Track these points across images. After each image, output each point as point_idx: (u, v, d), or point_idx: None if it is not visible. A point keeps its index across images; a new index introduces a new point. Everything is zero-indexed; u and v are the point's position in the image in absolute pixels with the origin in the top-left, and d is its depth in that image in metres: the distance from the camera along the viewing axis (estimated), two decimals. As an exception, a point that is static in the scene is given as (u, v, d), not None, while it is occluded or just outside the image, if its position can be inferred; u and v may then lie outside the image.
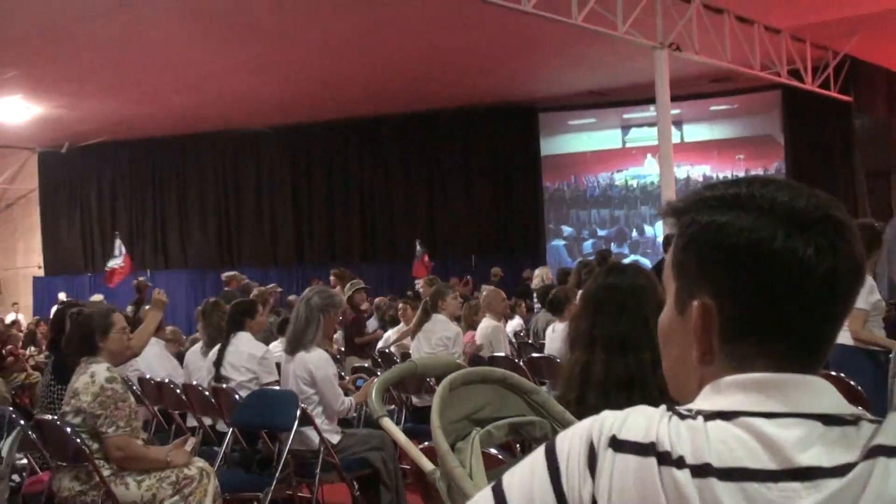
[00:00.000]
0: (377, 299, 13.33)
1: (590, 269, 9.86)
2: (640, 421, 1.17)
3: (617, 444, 1.16)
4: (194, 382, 6.81)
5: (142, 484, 4.81)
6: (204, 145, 22.37)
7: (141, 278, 15.77)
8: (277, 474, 5.50)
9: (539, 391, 2.14)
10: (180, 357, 8.13)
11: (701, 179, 19.97)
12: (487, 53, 16.06)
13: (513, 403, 2.12)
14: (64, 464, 4.97)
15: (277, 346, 7.71)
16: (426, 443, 2.67)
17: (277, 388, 6.16)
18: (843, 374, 4.92)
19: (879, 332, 6.24)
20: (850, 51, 16.39)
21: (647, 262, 17.85)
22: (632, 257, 18.65)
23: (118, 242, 18.68)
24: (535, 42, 15.13)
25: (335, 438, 5.80)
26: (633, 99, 19.18)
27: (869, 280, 5.88)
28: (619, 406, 1.23)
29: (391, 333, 10.50)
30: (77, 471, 4.86)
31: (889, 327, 6.43)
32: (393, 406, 7.58)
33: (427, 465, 1.90)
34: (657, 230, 19.12)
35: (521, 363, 7.57)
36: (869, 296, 5.99)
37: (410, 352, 8.42)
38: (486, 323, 8.86)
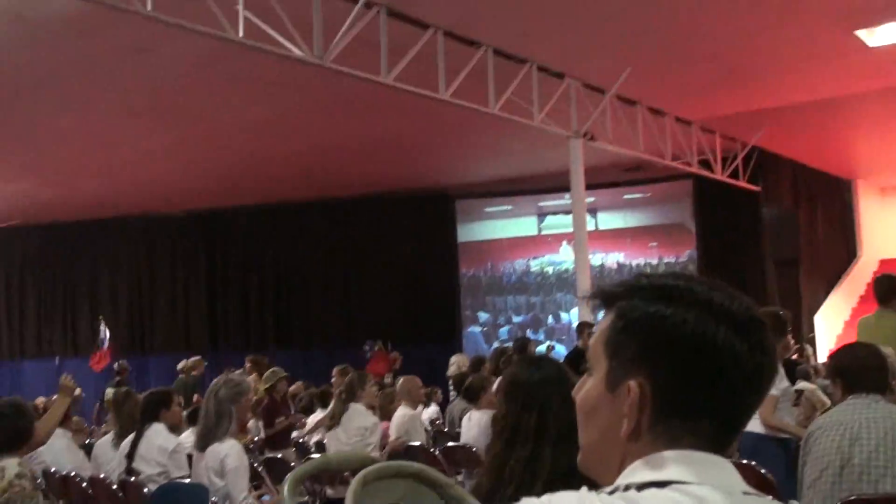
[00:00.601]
0: (293, 386, 13.15)
1: (507, 357, 9.87)
2: (569, 500, 1.26)
3: None
4: (102, 476, 6.60)
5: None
6: (118, 230, 22.04)
7: (121, 361, 15.48)
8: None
9: (453, 485, 2.11)
10: (84, 448, 7.89)
11: (615, 266, 20.25)
12: (404, 140, 16.20)
13: (428, 498, 2.08)
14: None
15: (189, 437, 7.53)
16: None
17: (187, 481, 5.99)
18: (754, 463, 4.95)
19: (789, 418, 6.33)
20: (758, 142, 16.89)
21: (561, 349, 17.96)
22: (547, 343, 18.72)
23: (103, 327, 18.17)
24: (451, 129, 15.32)
25: (246, 534, 5.64)
26: (548, 187, 19.44)
27: (779, 368, 5.97)
28: None
29: (309, 421, 10.37)
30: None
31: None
32: (307, 497, 7.43)
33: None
34: (572, 317, 19.24)
35: (438, 452, 7.49)
36: (779, 382, 6.08)
37: (326, 442, 8.28)
38: (402, 411, 8.78)
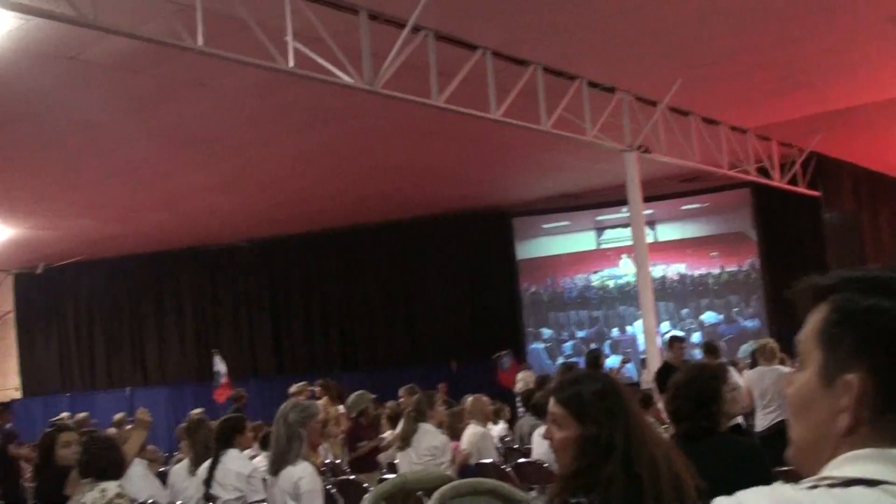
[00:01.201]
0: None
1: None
2: (762, 496, 1.24)
3: None
4: (179, 503, 6.74)
5: None
6: (181, 261, 22.42)
7: (238, 390, 15.80)
8: None
9: (529, 501, 2.17)
10: (159, 476, 8.04)
11: (677, 278, 20.15)
12: (458, 162, 16.29)
13: (503, 514, 2.15)
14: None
15: (262, 461, 7.65)
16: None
17: (264, 505, 6.10)
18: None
19: None
20: (816, 147, 16.74)
21: (630, 366, 17.84)
22: (613, 357, 18.64)
23: (218, 359, 18.50)
24: (505, 149, 15.38)
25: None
26: (605, 200, 19.42)
27: None
28: None
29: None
30: None
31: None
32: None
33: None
34: (636, 329, 19.15)
35: (509, 469, 7.53)
36: None
37: (397, 462, 8.34)
38: (473, 429, 8.81)
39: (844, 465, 1.24)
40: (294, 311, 22.16)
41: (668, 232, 20.33)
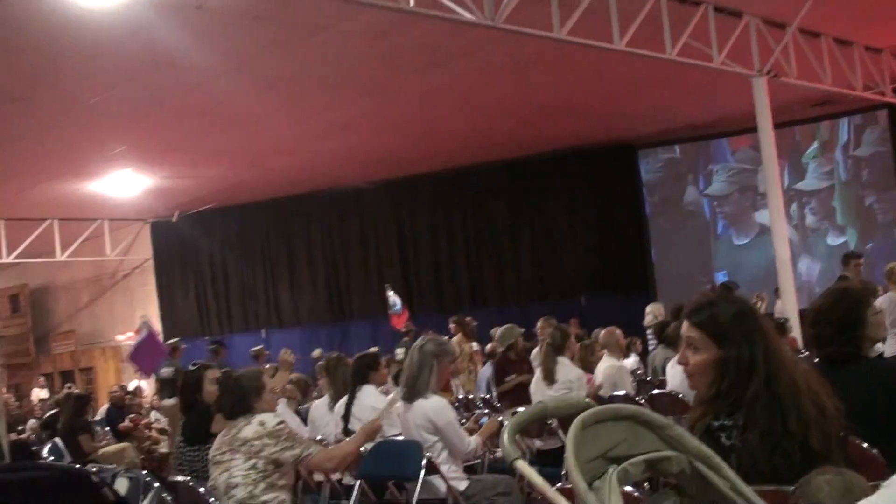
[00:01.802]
0: (489, 345, 13.30)
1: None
2: None
3: None
4: (319, 437, 6.92)
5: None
6: (309, 205, 22.79)
7: (407, 323, 16.21)
8: (407, 524, 5.55)
9: (672, 426, 2.15)
10: (298, 413, 8.26)
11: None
12: (582, 95, 16.09)
13: (647, 439, 2.13)
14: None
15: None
16: (558, 485, 2.68)
17: (401, 438, 6.22)
18: None
19: None
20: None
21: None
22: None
23: (391, 293, 18.95)
24: (629, 80, 15.11)
25: (462, 485, 5.82)
26: (734, 129, 18.97)
27: None
28: None
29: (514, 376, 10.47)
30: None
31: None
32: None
33: (565, 504, 1.90)
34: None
35: (643, 401, 7.50)
36: None
37: (532, 395, 8.37)
38: (608, 362, 8.78)
39: None
40: (421, 250, 22.34)
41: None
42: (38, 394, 22.84)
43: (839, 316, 3.80)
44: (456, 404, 9.82)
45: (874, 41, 14.61)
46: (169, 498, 5.22)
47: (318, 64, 13.08)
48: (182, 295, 24.68)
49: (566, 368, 7.94)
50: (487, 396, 10.79)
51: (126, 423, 13.36)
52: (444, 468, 5.69)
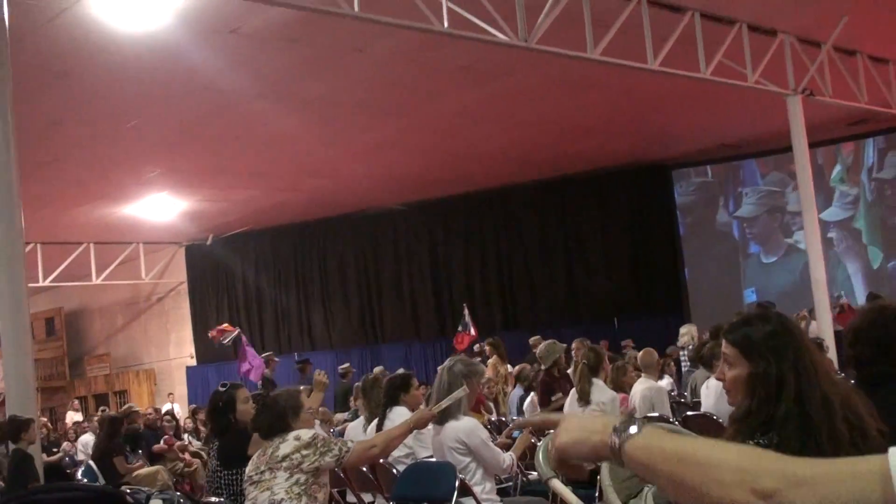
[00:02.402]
0: (519, 367, 13.25)
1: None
2: None
3: None
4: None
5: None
6: (342, 227, 22.85)
7: (480, 343, 16.19)
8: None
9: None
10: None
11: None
12: (616, 115, 16.05)
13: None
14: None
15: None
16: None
17: (434, 460, 6.18)
18: None
19: None
20: None
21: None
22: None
23: (466, 312, 18.90)
24: (663, 100, 15.06)
25: (495, 508, 5.78)
26: (768, 148, 18.86)
27: None
28: None
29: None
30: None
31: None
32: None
33: (601, 524, 1.87)
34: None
35: (676, 422, 7.42)
36: None
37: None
38: (646, 384, 8.69)
39: None
40: (454, 272, 22.31)
41: (836, 177, 19.64)
42: (73, 417, 22.96)
43: (879, 334, 3.72)
44: (488, 426, 9.77)
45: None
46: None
47: (352, 86, 13.13)
48: (215, 318, 24.71)
49: (600, 390, 7.86)
50: (503, 419, 10.72)
51: (161, 444, 13.39)
52: (476, 489, 5.64)
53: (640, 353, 9.60)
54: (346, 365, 16.67)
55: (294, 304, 23.93)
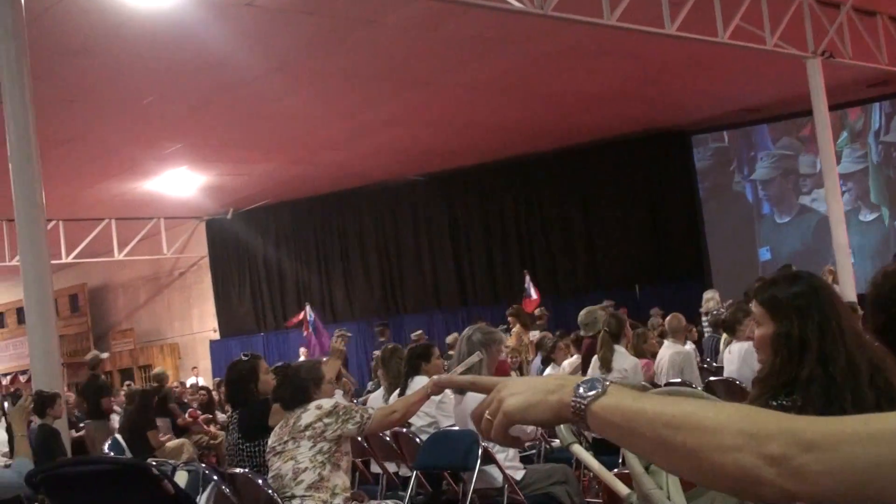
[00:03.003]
0: (539, 335, 13.28)
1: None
2: None
3: None
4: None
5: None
6: (360, 199, 22.86)
7: (540, 308, 16.41)
8: (464, 514, 5.54)
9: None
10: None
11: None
12: (633, 81, 15.95)
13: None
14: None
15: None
16: (615, 470, 2.65)
17: (456, 429, 6.21)
18: None
19: None
20: None
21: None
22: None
23: (528, 280, 18.89)
24: (681, 65, 14.97)
25: (518, 475, 5.81)
26: (787, 112, 18.72)
27: None
28: None
29: (566, 365, 10.44)
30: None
31: None
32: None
33: (622, 489, 1.88)
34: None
35: (699, 388, 7.43)
36: None
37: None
38: (674, 348, 8.66)
39: None
40: (474, 242, 22.29)
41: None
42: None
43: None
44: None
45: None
46: (227, 490, 5.27)
47: (368, 58, 13.11)
48: (237, 292, 24.89)
49: (622, 357, 7.84)
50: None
51: (186, 417, 13.50)
52: (499, 457, 5.67)
53: (668, 317, 9.58)
54: (419, 332, 16.72)
55: (315, 276, 23.99)
